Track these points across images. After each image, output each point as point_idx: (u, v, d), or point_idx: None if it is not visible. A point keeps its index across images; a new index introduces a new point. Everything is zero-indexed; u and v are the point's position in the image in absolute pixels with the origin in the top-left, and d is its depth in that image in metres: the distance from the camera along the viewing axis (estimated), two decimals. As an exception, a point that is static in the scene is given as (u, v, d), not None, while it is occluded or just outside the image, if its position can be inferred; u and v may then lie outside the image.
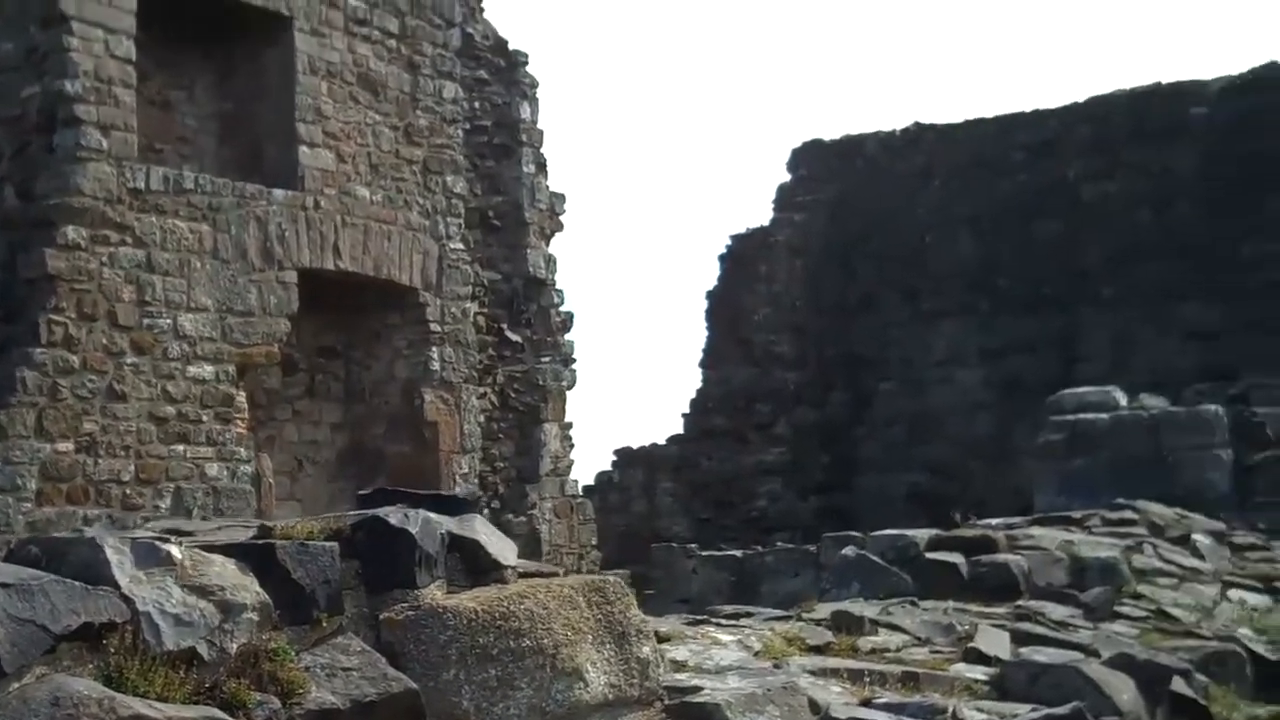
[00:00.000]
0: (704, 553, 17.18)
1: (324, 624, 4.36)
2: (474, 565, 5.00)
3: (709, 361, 27.16)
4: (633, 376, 61.24)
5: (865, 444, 26.63)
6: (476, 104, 19.65)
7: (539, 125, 20.64)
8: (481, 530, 5.11)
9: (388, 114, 17.30)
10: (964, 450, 25.22)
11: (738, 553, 16.77)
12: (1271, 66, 24.39)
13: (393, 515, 4.72)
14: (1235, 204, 23.61)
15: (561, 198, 20.93)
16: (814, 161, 28.21)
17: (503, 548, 5.13)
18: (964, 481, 24.56)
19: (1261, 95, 23.98)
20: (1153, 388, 17.92)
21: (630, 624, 5.12)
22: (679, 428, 27.09)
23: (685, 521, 25.48)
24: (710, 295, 27.47)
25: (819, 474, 26.43)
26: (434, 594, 4.70)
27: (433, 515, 4.86)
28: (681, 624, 7.08)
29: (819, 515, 24.88)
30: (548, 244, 20.63)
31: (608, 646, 4.99)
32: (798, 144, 28.61)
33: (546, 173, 20.70)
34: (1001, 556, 9.87)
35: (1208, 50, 63.65)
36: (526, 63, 20.53)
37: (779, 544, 17.89)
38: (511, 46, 20.43)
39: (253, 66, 16.44)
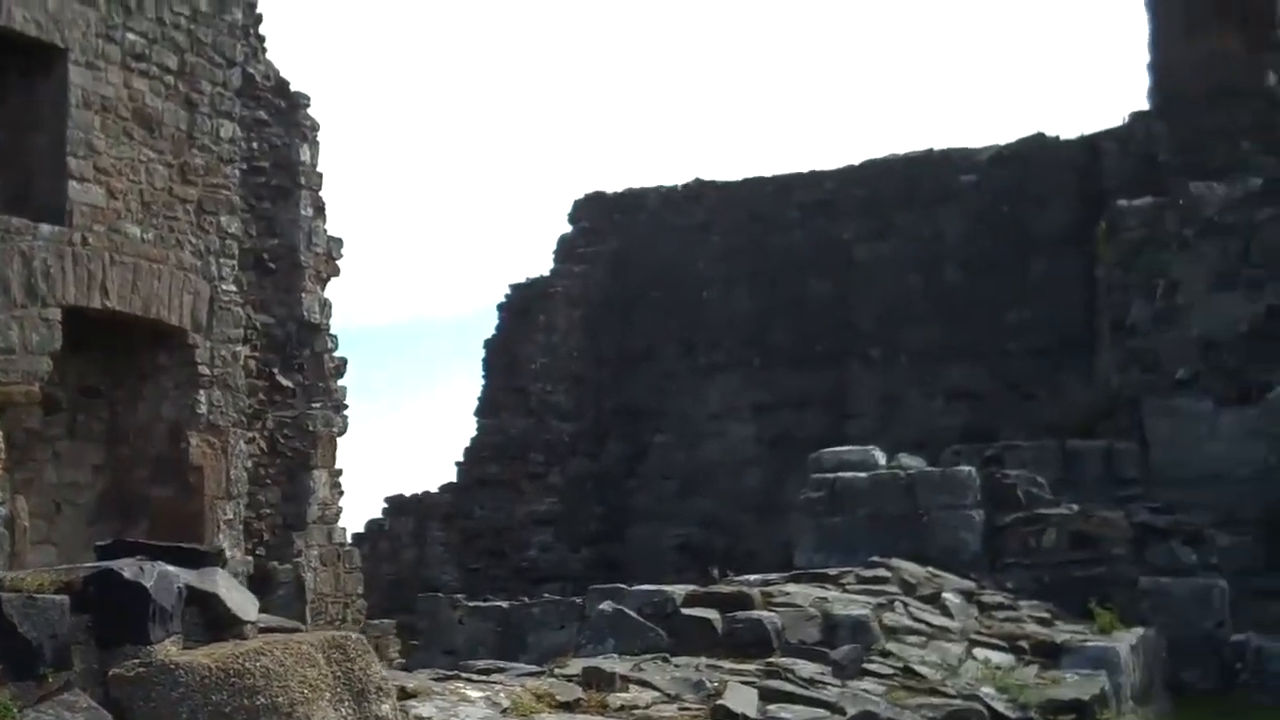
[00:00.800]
0: (470, 603, 17.19)
1: (50, 680, 4.27)
2: (213, 620, 4.93)
3: (485, 410, 27.12)
4: (406, 424, 60.82)
5: (638, 495, 26.86)
6: (255, 144, 19.44)
7: (318, 168, 20.50)
8: (222, 584, 5.04)
9: (163, 151, 16.99)
10: (735, 503, 25.60)
11: (504, 604, 16.82)
12: (1038, 137, 25.29)
13: (127, 568, 4.63)
14: (1000, 270, 24.42)
15: (339, 242, 20.79)
16: (595, 214, 28.47)
17: (243, 602, 5.08)
18: (734, 535, 24.92)
19: (1027, 165, 24.87)
20: (918, 447, 18.35)
21: (370, 681, 5.08)
22: (453, 476, 27.01)
23: (455, 571, 25.39)
24: (488, 344, 27.47)
25: (592, 525, 26.57)
26: (168, 650, 4.61)
27: (170, 568, 4.77)
28: (430, 679, 7.04)
29: (590, 566, 25.01)
30: (323, 288, 20.44)
31: (346, 704, 4.95)
32: (579, 196, 28.90)
33: (325, 216, 20.53)
34: (756, 613, 10.00)
35: (978, 120, 65.64)
36: (308, 105, 20.40)
37: (546, 595, 17.98)
38: (293, 88, 20.27)
39: (24, 98, 16.03)
